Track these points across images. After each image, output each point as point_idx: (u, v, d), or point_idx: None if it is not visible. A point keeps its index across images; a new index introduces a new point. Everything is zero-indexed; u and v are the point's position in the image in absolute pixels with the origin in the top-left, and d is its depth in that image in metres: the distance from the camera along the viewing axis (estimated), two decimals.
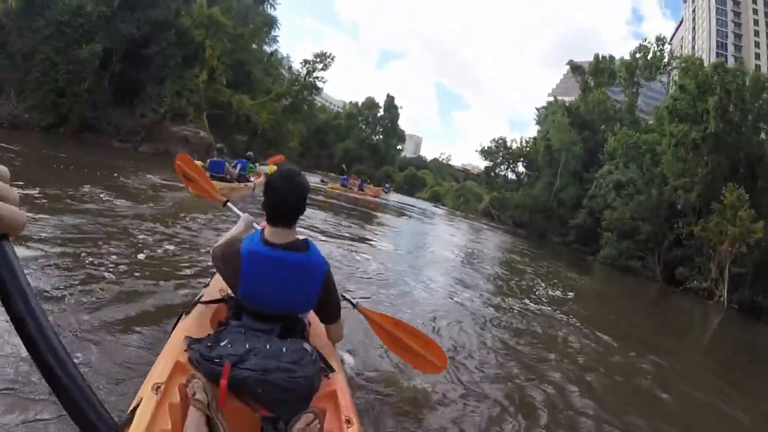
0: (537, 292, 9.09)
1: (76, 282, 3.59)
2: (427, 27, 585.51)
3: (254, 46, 32.58)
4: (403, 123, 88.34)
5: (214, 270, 2.57)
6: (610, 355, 5.86)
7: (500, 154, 45.29)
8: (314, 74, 32.27)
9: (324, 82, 32.92)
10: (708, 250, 18.47)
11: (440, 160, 79.86)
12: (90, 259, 4.14)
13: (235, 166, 12.04)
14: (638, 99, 38.33)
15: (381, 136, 69.36)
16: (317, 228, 9.43)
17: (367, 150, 66.37)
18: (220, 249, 2.14)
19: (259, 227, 2.57)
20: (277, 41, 34.31)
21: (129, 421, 1.48)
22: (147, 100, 18.26)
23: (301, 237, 2.12)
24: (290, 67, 34.17)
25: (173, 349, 1.94)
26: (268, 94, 30.18)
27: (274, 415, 1.77)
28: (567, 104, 39.38)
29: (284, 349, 1.85)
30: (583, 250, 28.37)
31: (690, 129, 20.57)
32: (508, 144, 44.85)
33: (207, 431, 1.61)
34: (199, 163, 10.73)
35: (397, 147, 73.94)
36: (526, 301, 7.80)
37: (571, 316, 7.40)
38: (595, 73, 39.37)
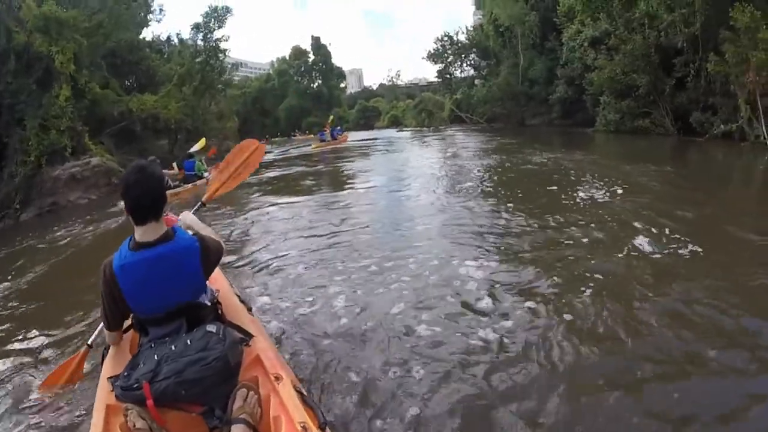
0: (550, 199, 7.63)
1: None
2: None
3: (143, 37, 27.50)
4: (340, 60, 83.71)
5: None
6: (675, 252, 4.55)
7: (449, 51, 40.90)
8: (212, 36, 26.81)
9: (227, 40, 27.47)
10: (728, 86, 15.26)
11: (388, 82, 74.58)
12: None
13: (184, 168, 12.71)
14: None
15: (319, 81, 65.09)
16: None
17: (310, 100, 62.68)
18: (102, 303, 2.10)
19: None
20: (156, 21, 28.76)
21: None
22: (12, 153, 14.17)
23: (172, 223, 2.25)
24: (183, 41, 28.57)
25: (102, 395, 1.99)
26: None
27: (207, 407, 1.82)
28: None
29: (189, 342, 1.87)
30: (572, 124, 25.86)
31: None
32: (455, 39, 40.39)
33: None
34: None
35: (340, 86, 70.10)
36: (542, 215, 6.35)
37: (606, 216, 6.18)
38: None
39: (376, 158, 19.41)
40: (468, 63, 41.57)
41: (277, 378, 1.88)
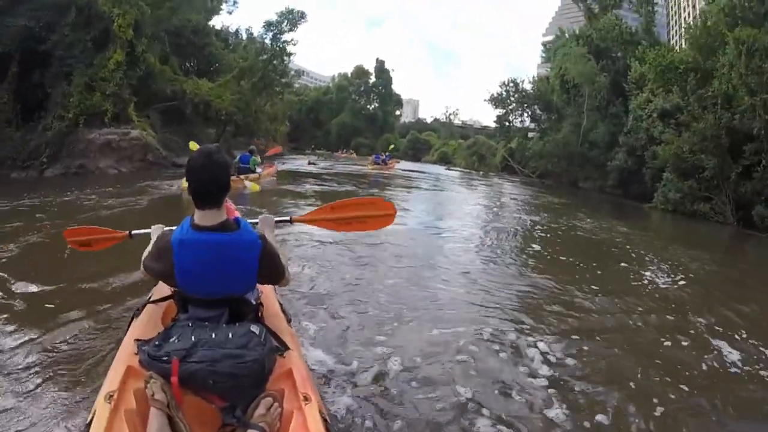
0: (612, 276, 7.12)
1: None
2: None
3: (212, 24, 28.00)
4: (398, 88, 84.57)
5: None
6: None
7: (513, 98, 39.89)
8: (282, 37, 26.77)
9: (295, 44, 27.48)
10: None
11: (444, 119, 74.10)
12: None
13: (240, 161, 12.90)
14: (655, 17, 33.45)
15: (376, 104, 65.76)
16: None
17: (364, 121, 63.27)
18: (149, 256, 2.13)
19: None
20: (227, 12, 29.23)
21: None
22: (53, 106, 14.07)
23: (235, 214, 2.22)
24: (251, 36, 28.82)
25: (124, 355, 1.99)
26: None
27: (230, 404, 1.80)
28: (577, 33, 34.44)
29: (230, 335, 1.85)
30: (626, 195, 24.64)
31: (759, 32, 15.86)
32: (520, 87, 39.33)
33: (170, 431, 1.63)
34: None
35: (396, 113, 70.41)
36: (608, 296, 5.80)
37: (676, 308, 5.65)
38: None
39: (427, 194, 19.10)
40: (528, 114, 40.51)
41: (306, 398, 1.83)
